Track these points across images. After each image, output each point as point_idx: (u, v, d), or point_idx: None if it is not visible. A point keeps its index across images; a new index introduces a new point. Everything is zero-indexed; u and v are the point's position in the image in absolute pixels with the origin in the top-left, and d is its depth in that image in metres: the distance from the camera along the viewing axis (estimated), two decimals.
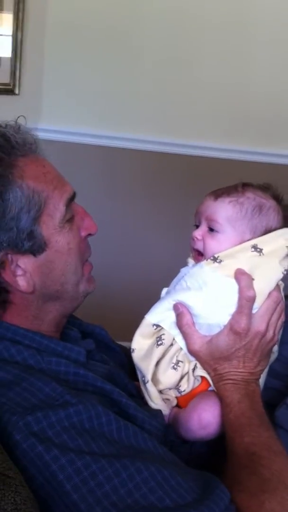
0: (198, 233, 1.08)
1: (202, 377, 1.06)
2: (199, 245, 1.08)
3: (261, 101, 2.54)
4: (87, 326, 1.20)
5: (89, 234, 1.07)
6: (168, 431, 1.01)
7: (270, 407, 1.19)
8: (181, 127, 2.61)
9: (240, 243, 1.05)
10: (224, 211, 1.06)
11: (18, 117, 1.04)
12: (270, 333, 1.04)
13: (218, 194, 1.08)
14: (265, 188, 1.10)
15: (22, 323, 1.01)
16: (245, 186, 1.09)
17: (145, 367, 1.05)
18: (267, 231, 1.06)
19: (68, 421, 0.84)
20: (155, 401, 1.04)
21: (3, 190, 0.94)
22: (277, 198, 1.09)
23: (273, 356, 1.11)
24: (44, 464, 0.80)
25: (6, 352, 0.96)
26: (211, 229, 1.07)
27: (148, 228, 2.71)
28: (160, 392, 1.06)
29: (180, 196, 2.54)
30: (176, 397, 1.07)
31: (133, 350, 1.06)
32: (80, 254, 1.05)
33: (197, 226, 1.10)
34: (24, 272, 0.98)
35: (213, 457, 1.02)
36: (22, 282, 0.99)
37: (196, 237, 1.08)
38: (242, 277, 1.01)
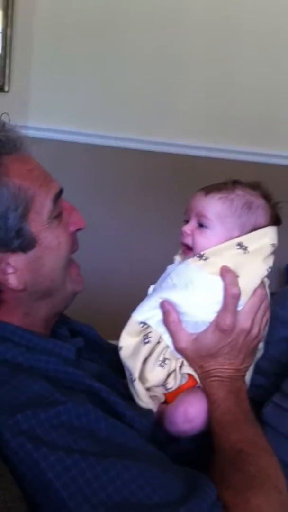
0: (188, 228, 1.09)
1: (189, 375, 1.07)
2: (188, 240, 1.09)
3: (249, 101, 2.56)
4: (76, 324, 1.20)
5: (78, 229, 1.07)
6: (156, 430, 1.01)
7: (258, 404, 1.20)
8: (172, 126, 2.63)
9: (228, 239, 1.06)
10: (213, 207, 1.07)
11: (2, 114, 1.03)
12: (255, 330, 1.05)
13: (208, 190, 1.09)
14: (254, 186, 1.11)
15: (12, 321, 1.00)
16: (235, 183, 1.10)
17: (132, 365, 1.05)
18: (255, 228, 1.07)
19: (57, 419, 0.84)
20: (143, 399, 1.04)
21: None
22: (266, 197, 1.10)
23: (259, 353, 1.13)
24: (33, 462, 0.81)
25: None
26: (200, 225, 1.08)
27: (138, 226, 2.72)
28: (148, 389, 1.06)
29: (171, 195, 2.55)
30: (164, 394, 1.08)
31: (121, 348, 1.07)
32: (70, 249, 1.05)
33: (188, 222, 1.11)
34: (14, 270, 0.98)
35: (201, 454, 1.02)
36: (13, 280, 0.98)
37: (186, 232, 1.09)
38: (227, 275, 1.02)
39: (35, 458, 0.81)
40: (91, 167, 2.72)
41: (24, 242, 0.97)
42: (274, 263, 1.08)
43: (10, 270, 0.98)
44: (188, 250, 1.09)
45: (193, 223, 1.09)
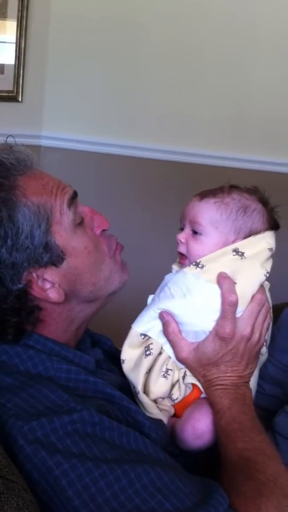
0: (182, 236, 1.09)
1: (193, 385, 1.06)
2: (182, 249, 1.09)
3: (261, 110, 2.55)
4: (94, 335, 1.21)
5: (103, 230, 1.08)
6: (168, 441, 1.02)
7: (272, 414, 1.20)
8: (183, 135, 2.62)
9: (224, 244, 1.05)
10: (207, 212, 1.06)
11: (8, 136, 1.05)
12: (256, 336, 1.04)
13: (203, 195, 1.09)
14: (252, 191, 1.10)
15: (49, 335, 1.02)
16: (231, 187, 1.09)
17: (135, 378, 1.05)
18: (252, 233, 1.06)
19: (71, 426, 0.85)
20: (150, 411, 1.04)
21: (11, 213, 0.95)
22: (263, 201, 1.10)
23: (263, 357, 1.12)
24: (47, 469, 0.81)
25: (17, 357, 0.97)
26: (194, 232, 1.07)
27: (148, 235, 2.72)
28: (155, 402, 1.06)
29: (179, 204, 2.54)
30: (173, 406, 1.07)
31: (123, 361, 1.07)
32: (101, 251, 1.06)
33: (182, 229, 1.10)
34: (52, 284, 1.00)
35: (211, 463, 1.02)
36: (53, 294, 1.00)
37: (180, 240, 1.09)
38: (224, 282, 1.01)
39: (49, 465, 0.81)
40: (103, 176, 2.73)
41: (53, 256, 0.99)
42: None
43: (48, 286, 1.00)
44: (184, 258, 1.09)
45: (187, 231, 1.08)
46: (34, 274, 0.98)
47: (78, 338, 1.10)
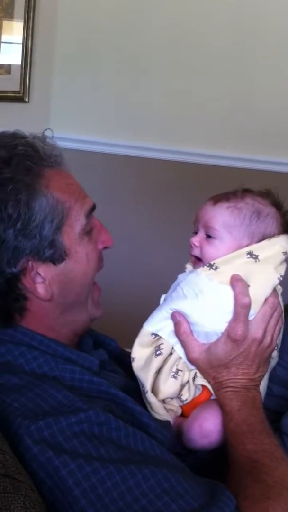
0: (196, 240, 1.09)
1: (203, 386, 1.06)
2: (196, 252, 1.09)
3: (265, 110, 2.55)
4: (99, 336, 1.21)
5: (106, 247, 1.09)
6: (174, 442, 1.01)
7: (279, 415, 1.19)
8: (187, 135, 2.63)
9: (238, 248, 1.05)
10: (221, 217, 1.06)
11: (45, 130, 1.08)
12: (267, 339, 1.04)
13: (217, 199, 1.09)
14: (265, 195, 1.10)
15: (39, 330, 1.02)
16: (244, 192, 1.09)
17: (144, 377, 1.05)
18: (265, 237, 1.06)
19: (78, 426, 0.85)
20: (156, 411, 1.04)
21: (30, 198, 0.96)
22: (276, 205, 1.09)
23: (273, 361, 1.11)
24: (54, 469, 0.81)
25: (22, 358, 0.98)
26: (208, 236, 1.07)
27: (153, 235, 2.72)
28: (163, 402, 1.06)
29: (184, 204, 2.55)
30: (180, 406, 1.07)
31: (133, 359, 1.07)
32: (96, 266, 1.07)
33: (196, 233, 1.10)
34: (43, 280, 1.01)
35: (217, 465, 1.01)
36: (41, 290, 1.01)
37: (194, 244, 1.09)
38: (238, 284, 1.01)
39: (55, 465, 0.82)
40: (109, 176, 2.74)
41: (55, 254, 1.00)
42: None
43: (39, 280, 1.01)
44: (198, 261, 1.09)
45: (201, 234, 1.09)
46: (30, 264, 1.00)
47: (76, 339, 1.10)
